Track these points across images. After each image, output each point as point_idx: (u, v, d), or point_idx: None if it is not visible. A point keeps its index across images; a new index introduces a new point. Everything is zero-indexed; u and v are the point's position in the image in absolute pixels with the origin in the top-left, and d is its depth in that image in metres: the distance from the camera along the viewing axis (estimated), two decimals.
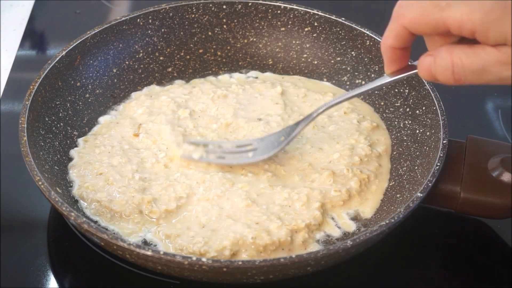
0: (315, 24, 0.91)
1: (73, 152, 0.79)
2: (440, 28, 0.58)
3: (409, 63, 0.67)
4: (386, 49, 0.65)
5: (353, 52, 0.90)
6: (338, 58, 0.91)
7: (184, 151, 0.78)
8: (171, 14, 0.91)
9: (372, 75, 0.88)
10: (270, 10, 0.92)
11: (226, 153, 0.78)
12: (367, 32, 0.88)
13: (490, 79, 0.58)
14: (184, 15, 0.92)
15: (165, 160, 0.79)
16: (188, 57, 0.93)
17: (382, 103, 0.87)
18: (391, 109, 0.85)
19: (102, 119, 0.85)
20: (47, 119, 0.79)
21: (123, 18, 0.89)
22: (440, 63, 0.59)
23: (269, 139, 0.78)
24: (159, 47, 0.92)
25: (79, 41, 0.84)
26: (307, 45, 0.93)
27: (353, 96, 0.75)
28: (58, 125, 0.80)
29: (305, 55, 0.93)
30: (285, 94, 0.88)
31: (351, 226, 0.74)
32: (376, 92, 0.87)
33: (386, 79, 0.70)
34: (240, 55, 0.94)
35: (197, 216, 0.73)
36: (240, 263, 0.62)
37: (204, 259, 0.61)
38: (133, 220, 0.72)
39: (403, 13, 0.60)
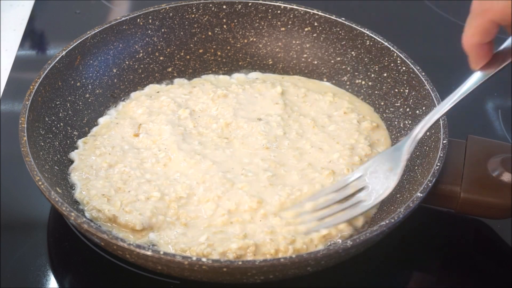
0: (315, 24, 0.91)
1: (73, 155, 0.79)
2: None
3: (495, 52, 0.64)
4: (472, 48, 0.62)
5: (353, 52, 0.90)
6: (338, 58, 0.91)
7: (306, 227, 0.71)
8: (171, 14, 0.91)
9: (372, 75, 0.88)
10: (270, 10, 0.92)
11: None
12: (367, 32, 0.88)
13: None
14: (184, 15, 0.92)
15: (165, 160, 0.79)
16: (188, 57, 0.93)
17: (382, 103, 0.87)
18: (391, 109, 0.85)
19: (102, 120, 0.85)
20: (47, 119, 0.79)
21: (123, 18, 0.89)
22: (496, 5, 0.56)
23: (375, 168, 0.71)
24: (159, 47, 0.92)
25: (79, 41, 0.84)
26: (307, 45, 0.93)
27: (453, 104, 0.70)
28: (58, 125, 0.80)
29: (305, 55, 0.93)
30: (285, 94, 0.88)
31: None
32: (376, 92, 0.87)
33: (480, 76, 0.66)
34: (240, 55, 0.94)
35: (198, 217, 0.73)
36: (240, 263, 0.62)
37: (204, 259, 0.61)
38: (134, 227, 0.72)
39: (489, 7, 0.57)
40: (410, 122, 0.82)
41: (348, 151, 0.80)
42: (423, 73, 0.82)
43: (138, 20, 0.90)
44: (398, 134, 0.83)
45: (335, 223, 0.70)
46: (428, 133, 0.78)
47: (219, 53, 0.94)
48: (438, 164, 0.71)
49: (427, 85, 0.80)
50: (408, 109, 0.83)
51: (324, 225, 0.70)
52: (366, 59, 0.89)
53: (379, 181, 0.71)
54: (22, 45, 1.05)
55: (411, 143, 0.70)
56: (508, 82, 0.98)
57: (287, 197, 0.74)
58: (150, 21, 0.90)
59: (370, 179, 0.72)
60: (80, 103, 0.84)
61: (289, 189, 0.75)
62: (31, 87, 0.77)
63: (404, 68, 0.84)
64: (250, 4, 0.92)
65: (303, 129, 0.83)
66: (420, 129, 0.70)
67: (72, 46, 0.84)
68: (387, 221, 0.66)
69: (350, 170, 0.77)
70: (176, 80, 0.92)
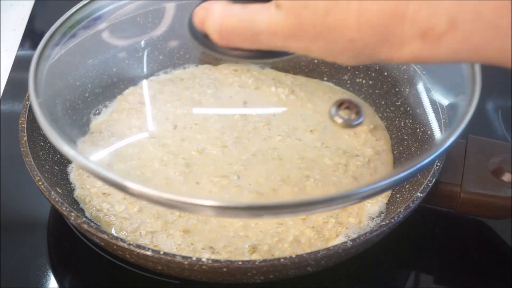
0: None
1: None
2: None
3: None
4: None
5: None
6: None
7: None
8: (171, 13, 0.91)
9: (373, 74, 0.88)
10: None
11: None
12: None
13: (260, 46, 0.54)
14: (185, 14, 0.92)
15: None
16: (188, 56, 0.93)
17: (382, 103, 0.87)
18: (391, 108, 0.85)
19: (101, 118, 0.85)
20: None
21: (123, 18, 0.89)
22: (211, 23, 0.55)
23: None
24: (159, 46, 0.92)
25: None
26: None
27: None
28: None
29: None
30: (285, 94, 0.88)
31: None
32: (376, 91, 0.87)
33: None
34: None
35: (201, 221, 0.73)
36: (240, 263, 0.62)
37: (204, 259, 0.61)
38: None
39: None
40: (411, 121, 0.82)
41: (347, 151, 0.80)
42: (424, 72, 0.82)
43: (138, 19, 0.90)
44: (399, 134, 0.83)
45: None
46: (428, 132, 0.78)
47: None
48: (438, 164, 0.71)
49: (428, 84, 0.80)
50: (408, 108, 0.83)
51: None
52: None
53: None
54: (22, 45, 1.05)
55: None
56: (508, 82, 0.98)
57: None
58: (150, 19, 0.90)
59: None
60: (80, 102, 0.84)
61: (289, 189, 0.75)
62: None
63: (404, 66, 0.84)
64: None
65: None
66: None
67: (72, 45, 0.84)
68: (387, 221, 0.66)
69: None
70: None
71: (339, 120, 0.64)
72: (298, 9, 0.51)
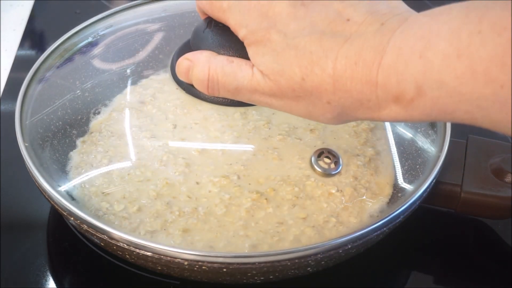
0: None
1: (73, 153, 0.79)
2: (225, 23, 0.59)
3: None
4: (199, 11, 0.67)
5: None
6: None
7: None
8: (171, 12, 0.92)
9: None
10: None
11: None
12: None
13: (243, 99, 0.58)
14: (185, 13, 0.92)
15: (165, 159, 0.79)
16: None
17: None
18: None
19: (101, 118, 0.85)
20: (45, 118, 0.79)
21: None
22: (197, 74, 0.59)
23: None
24: (159, 45, 0.92)
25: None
26: None
27: None
28: (57, 124, 0.80)
29: None
30: None
31: None
32: None
33: None
34: None
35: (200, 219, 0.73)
36: (240, 263, 0.62)
37: (204, 260, 0.61)
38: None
39: None
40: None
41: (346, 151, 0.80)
42: None
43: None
44: (399, 133, 0.83)
45: None
46: (429, 132, 0.78)
47: None
48: (438, 164, 0.71)
49: None
50: None
51: None
52: None
53: None
54: (22, 45, 1.05)
55: None
56: None
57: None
58: (150, 19, 0.91)
59: None
60: (79, 101, 0.84)
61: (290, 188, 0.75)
62: None
63: None
64: None
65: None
66: None
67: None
68: (387, 221, 0.66)
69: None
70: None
71: (319, 170, 0.66)
72: (275, 75, 0.54)
